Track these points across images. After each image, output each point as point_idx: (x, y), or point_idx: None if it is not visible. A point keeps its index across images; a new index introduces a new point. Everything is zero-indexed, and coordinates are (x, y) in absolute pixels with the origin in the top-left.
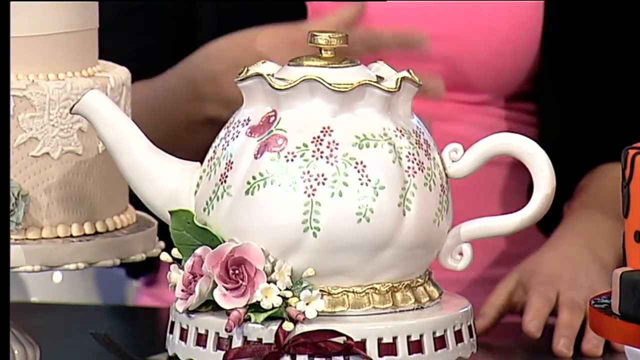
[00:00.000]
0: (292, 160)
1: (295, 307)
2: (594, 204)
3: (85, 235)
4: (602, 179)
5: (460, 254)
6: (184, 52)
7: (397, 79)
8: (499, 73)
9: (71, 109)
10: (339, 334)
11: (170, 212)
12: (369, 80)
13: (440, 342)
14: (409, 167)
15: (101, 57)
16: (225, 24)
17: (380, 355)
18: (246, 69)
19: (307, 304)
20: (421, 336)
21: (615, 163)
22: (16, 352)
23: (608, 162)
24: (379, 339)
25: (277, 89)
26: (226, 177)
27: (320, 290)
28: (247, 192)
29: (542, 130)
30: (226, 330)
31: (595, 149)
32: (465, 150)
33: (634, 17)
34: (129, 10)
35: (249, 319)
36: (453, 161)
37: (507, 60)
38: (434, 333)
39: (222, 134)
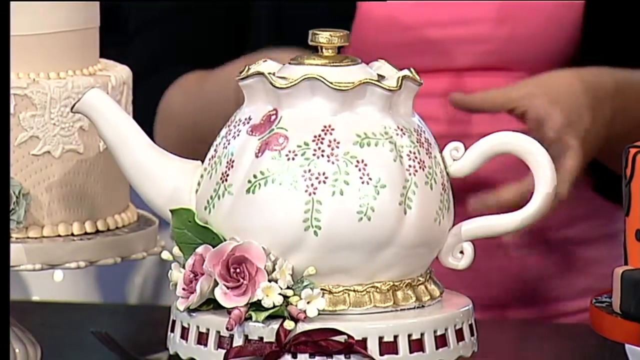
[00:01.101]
0: (293, 158)
1: (296, 305)
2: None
3: (86, 233)
4: None
5: (462, 252)
6: (236, 52)
7: (398, 77)
8: (542, 50)
9: (72, 108)
10: (340, 333)
11: (171, 211)
12: (370, 79)
13: (441, 341)
14: (410, 166)
15: (153, 55)
16: (277, 24)
17: (381, 354)
18: (247, 67)
19: (308, 302)
20: (422, 335)
21: None
22: (17, 350)
23: None
24: (380, 338)
25: (278, 87)
26: (227, 175)
27: (321, 289)
28: (248, 191)
29: None
30: (227, 328)
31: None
32: (466, 149)
33: None
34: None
35: (250, 318)
36: (454, 160)
37: (550, 38)
38: (435, 332)
39: (223, 132)
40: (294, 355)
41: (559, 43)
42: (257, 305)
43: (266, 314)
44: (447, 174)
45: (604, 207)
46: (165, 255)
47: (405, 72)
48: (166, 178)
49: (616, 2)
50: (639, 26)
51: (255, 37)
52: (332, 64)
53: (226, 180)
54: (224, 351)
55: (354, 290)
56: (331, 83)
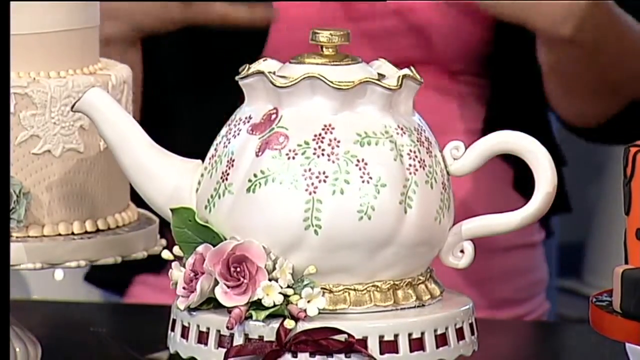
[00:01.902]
0: (293, 158)
1: (296, 304)
2: None
3: (86, 233)
4: None
5: (462, 251)
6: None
7: (399, 76)
8: (458, 45)
9: (72, 107)
10: (341, 332)
11: (172, 210)
12: (370, 78)
13: (441, 340)
14: (410, 165)
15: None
16: (194, 32)
17: (381, 353)
18: (247, 66)
19: (308, 301)
20: (422, 334)
21: None
22: (17, 349)
23: None
24: (381, 337)
25: (278, 86)
26: (227, 174)
27: (322, 288)
28: (248, 190)
29: (490, 105)
30: (227, 328)
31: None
32: (466, 148)
33: None
34: None
35: (250, 317)
36: (454, 159)
37: (465, 32)
38: (435, 331)
39: (223, 131)
40: (295, 354)
41: (474, 38)
42: (257, 304)
43: (266, 313)
44: (448, 173)
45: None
46: (166, 254)
47: (406, 71)
48: (166, 177)
49: None
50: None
51: (168, 38)
52: (332, 63)
53: (226, 179)
54: (224, 350)
55: (355, 289)
56: (331, 82)
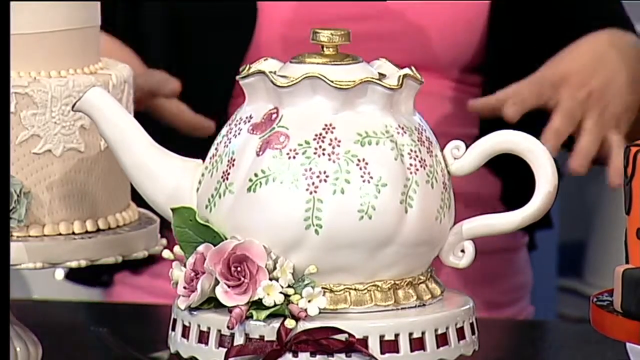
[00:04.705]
0: (294, 157)
1: (297, 304)
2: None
3: (87, 232)
4: None
5: (462, 251)
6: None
7: (399, 76)
8: (450, 47)
9: (73, 107)
10: (341, 331)
11: (172, 210)
12: (371, 78)
13: (442, 340)
14: (411, 165)
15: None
16: (174, 25)
17: (382, 353)
18: (248, 66)
19: (309, 301)
20: (423, 333)
21: None
22: (18, 349)
23: None
24: (381, 336)
25: (279, 86)
26: (228, 174)
27: (322, 288)
28: (249, 190)
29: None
30: (228, 327)
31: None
32: (467, 148)
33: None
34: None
35: (251, 317)
36: (455, 158)
37: (457, 34)
38: (435, 330)
39: (224, 131)
40: (295, 354)
41: (468, 43)
42: (258, 304)
43: (267, 312)
44: (448, 172)
45: None
46: (167, 254)
47: (406, 70)
48: (167, 177)
49: (519, 9)
50: (540, 27)
51: (152, 38)
52: (333, 63)
53: (227, 178)
54: (224, 350)
55: (355, 289)
56: (332, 82)
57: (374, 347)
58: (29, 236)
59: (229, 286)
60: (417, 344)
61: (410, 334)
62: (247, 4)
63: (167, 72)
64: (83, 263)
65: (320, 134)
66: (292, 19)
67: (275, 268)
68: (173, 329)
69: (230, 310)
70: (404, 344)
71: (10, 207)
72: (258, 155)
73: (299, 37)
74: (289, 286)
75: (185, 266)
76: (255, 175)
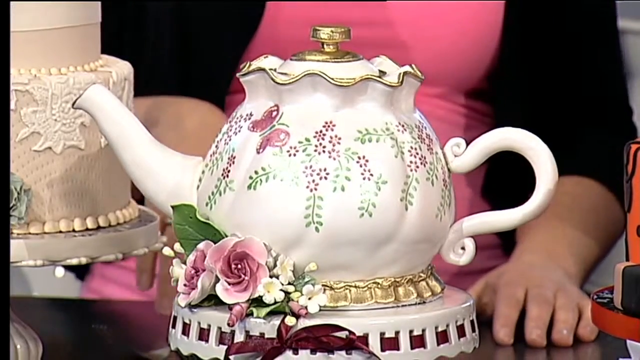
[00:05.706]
0: (294, 154)
1: (297, 301)
2: (551, 215)
3: (87, 230)
4: (556, 194)
5: (463, 248)
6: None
7: (400, 73)
8: (456, 66)
9: (73, 104)
10: (342, 329)
11: (173, 207)
12: (371, 75)
13: (442, 337)
14: (411, 162)
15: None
16: (183, 25)
17: (382, 350)
18: (249, 63)
19: (309, 298)
20: (423, 331)
21: (567, 177)
22: (18, 346)
23: (560, 176)
24: (382, 334)
25: (279, 83)
26: (228, 171)
27: (323, 285)
28: (249, 187)
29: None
30: (228, 325)
31: None
32: (467, 145)
33: (593, 23)
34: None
35: (251, 314)
36: (455, 156)
37: (464, 54)
38: (436, 327)
39: (224, 128)
40: (295, 351)
41: (476, 63)
42: (258, 301)
43: (267, 310)
44: (449, 170)
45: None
46: (167, 251)
47: (407, 68)
48: (167, 174)
49: (533, 32)
50: (555, 54)
51: (158, 37)
52: (333, 60)
53: (227, 176)
54: (225, 347)
55: (355, 286)
56: (332, 79)
57: (374, 344)
58: (29, 233)
59: (229, 283)
60: (418, 341)
61: (411, 332)
62: (256, 2)
63: (168, 66)
64: (83, 260)
65: (321, 132)
66: (298, 19)
67: (275, 265)
68: (173, 327)
69: (230, 307)
70: (404, 341)
71: (11, 205)
72: (258, 152)
73: (300, 37)
74: (289, 283)
75: (185, 264)
76: (256, 172)
